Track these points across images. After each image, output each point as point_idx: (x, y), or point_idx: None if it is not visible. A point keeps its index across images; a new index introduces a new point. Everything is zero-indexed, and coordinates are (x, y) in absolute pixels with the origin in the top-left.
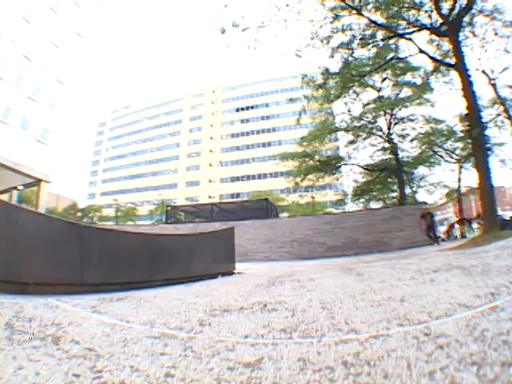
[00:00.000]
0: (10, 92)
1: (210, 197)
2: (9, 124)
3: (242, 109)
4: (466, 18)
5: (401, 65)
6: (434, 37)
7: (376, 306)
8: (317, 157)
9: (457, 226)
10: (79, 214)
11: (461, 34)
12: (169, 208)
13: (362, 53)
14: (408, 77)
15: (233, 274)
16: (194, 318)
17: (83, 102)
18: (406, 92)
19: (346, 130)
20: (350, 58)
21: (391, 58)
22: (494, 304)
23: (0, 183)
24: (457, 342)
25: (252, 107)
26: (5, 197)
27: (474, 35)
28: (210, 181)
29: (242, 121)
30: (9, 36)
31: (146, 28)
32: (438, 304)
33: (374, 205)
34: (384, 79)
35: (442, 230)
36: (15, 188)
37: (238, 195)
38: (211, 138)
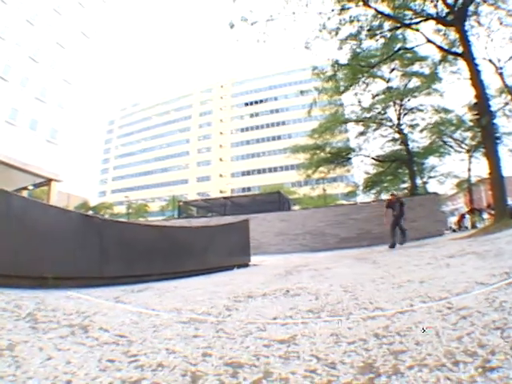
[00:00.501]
0: (16, 93)
1: (221, 191)
2: (16, 125)
3: (251, 103)
4: (471, 7)
5: (408, 55)
6: (440, 26)
7: (397, 288)
8: (328, 149)
9: (468, 216)
10: (90, 211)
11: (466, 23)
12: (181, 203)
13: (370, 43)
14: (416, 67)
15: (248, 265)
16: (220, 305)
17: (92, 101)
18: (415, 82)
19: (357, 121)
20: (359, 50)
21: (399, 49)
22: (510, 280)
23: (10, 184)
24: (478, 313)
25: (261, 101)
26: None
27: (480, 24)
28: (220, 175)
29: (252, 115)
30: (13, 38)
31: (153, 25)
32: (457, 283)
33: (385, 196)
34: (392, 70)
35: (453, 220)
36: (25, 188)
37: (249, 189)
38: (221, 133)
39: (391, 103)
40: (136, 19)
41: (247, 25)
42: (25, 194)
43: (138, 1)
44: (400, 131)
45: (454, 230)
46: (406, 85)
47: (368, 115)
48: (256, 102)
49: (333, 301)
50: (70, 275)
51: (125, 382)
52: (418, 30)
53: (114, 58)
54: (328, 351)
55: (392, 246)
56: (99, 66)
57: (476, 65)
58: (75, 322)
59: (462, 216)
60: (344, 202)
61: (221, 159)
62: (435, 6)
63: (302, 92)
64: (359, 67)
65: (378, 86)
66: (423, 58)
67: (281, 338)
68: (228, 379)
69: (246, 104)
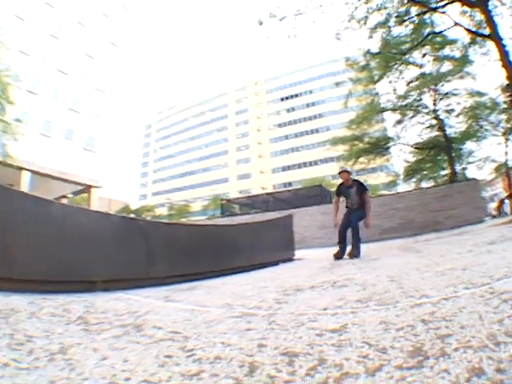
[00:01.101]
0: (48, 106)
1: (262, 188)
2: (51, 136)
3: (287, 98)
4: None
5: (438, 39)
6: (465, 8)
7: (440, 275)
8: (366, 139)
9: (507, 201)
10: (132, 215)
11: (490, 3)
12: (223, 201)
13: (400, 30)
14: (447, 51)
15: (293, 260)
16: (269, 298)
17: (128, 107)
18: (447, 66)
19: (393, 109)
20: (389, 37)
21: (428, 34)
22: None
23: (49, 193)
24: None
25: (296, 95)
26: None
27: (502, 3)
28: (261, 172)
29: (288, 110)
30: (38, 53)
31: (184, 27)
32: (498, 269)
33: (425, 184)
34: (424, 55)
35: (492, 206)
36: (64, 196)
37: (290, 184)
38: (258, 130)
39: (426, 89)
40: (165, 22)
41: (276, 21)
42: (64, 202)
43: (167, 4)
44: (436, 117)
45: (494, 216)
46: (439, 69)
47: (404, 103)
48: (291, 97)
49: (380, 290)
50: (116, 277)
51: (184, 376)
52: (444, 13)
53: (147, 63)
54: (378, 338)
55: (337, 257)
56: (132, 72)
57: (504, 45)
58: (128, 322)
59: (502, 201)
60: (385, 193)
61: (260, 156)
62: None
63: (337, 84)
64: (391, 55)
65: (412, 72)
66: (453, 42)
67: (332, 328)
68: (285, 367)
69: (282, 99)
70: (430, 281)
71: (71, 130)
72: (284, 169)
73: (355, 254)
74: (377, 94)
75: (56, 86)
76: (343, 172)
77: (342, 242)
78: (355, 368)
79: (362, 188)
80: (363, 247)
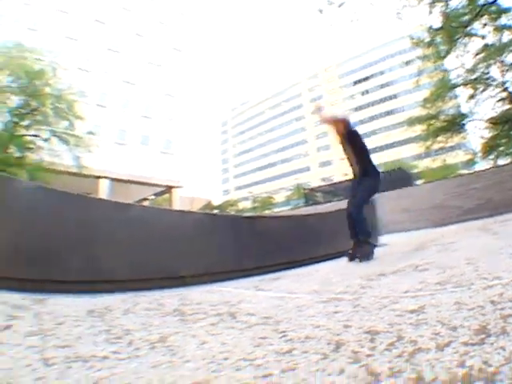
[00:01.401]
0: (120, 116)
1: (345, 174)
2: (126, 144)
3: (359, 81)
4: None
5: (493, 8)
6: None
7: None
8: (442, 117)
9: None
10: (215, 211)
11: None
12: (306, 191)
13: (457, 2)
14: (503, 20)
15: (376, 245)
16: (354, 284)
17: (202, 107)
18: (507, 36)
19: (464, 84)
20: (447, 10)
21: (483, 4)
22: None
23: (127, 197)
24: None
25: (367, 78)
26: None
27: None
28: (342, 159)
29: (362, 93)
30: (100, 68)
31: (248, 24)
32: None
33: (502, 161)
34: (484, 25)
35: None
36: (145, 199)
37: None
38: None
39: (492, 61)
40: (228, 19)
41: (335, 7)
42: (146, 204)
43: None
44: (505, 89)
45: None
46: (500, 39)
47: (473, 77)
48: (363, 80)
49: (457, 273)
50: (206, 272)
51: (278, 353)
52: None
53: (215, 62)
54: (451, 317)
55: (350, 257)
56: (201, 72)
57: None
58: (222, 311)
59: None
60: (463, 172)
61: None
62: None
63: (406, 62)
64: (453, 28)
65: (476, 44)
66: (506, 10)
67: (411, 309)
68: (367, 343)
69: (355, 83)
70: (503, 263)
71: (146, 135)
72: None
73: (362, 254)
74: (446, 70)
75: (125, 97)
76: (327, 118)
77: (353, 237)
78: (427, 344)
79: (350, 134)
80: (445, 228)
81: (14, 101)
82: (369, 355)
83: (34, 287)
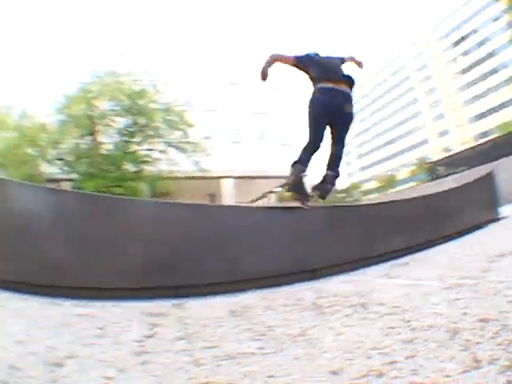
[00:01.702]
0: (233, 117)
1: (464, 143)
2: (243, 142)
3: (457, 43)
4: None
5: None
6: None
7: None
8: None
9: None
10: (340, 195)
11: None
12: (428, 165)
13: None
14: None
15: (497, 220)
16: (474, 268)
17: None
18: None
19: None
20: None
21: None
22: None
23: (251, 193)
24: None
25: (464, 38)
26: (264, 201)
27: None
28: (456, 126)
29: (464, 54)
30: (200, 76)
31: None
32: None
33: None
34: None
35: None
36: (271, 192)
37: (485, 134)
38: (443, 83)
39: None
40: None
41: None
42: (273, 196)
43: None
44: None
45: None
46: None
47: None
48: (462, 39)
49: None
50: (337, 262)
51: (404, 342)
52: None
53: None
54: None
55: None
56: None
57: None
58: (355, 303)
59: None
60: None
61: (454, 109)
62: None
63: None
64: None
65: None
66: None
67: None
68: (479, 332)
69: (455, 44)
70: None
71: (263, 131)
72: (477, 118)
73: (327, 189)
74: None
75: (234, 98)
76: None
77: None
78: None
79: (299, 64)
80: None
81: (121, 122)
82: (478, 343)
83: (167, 294)
